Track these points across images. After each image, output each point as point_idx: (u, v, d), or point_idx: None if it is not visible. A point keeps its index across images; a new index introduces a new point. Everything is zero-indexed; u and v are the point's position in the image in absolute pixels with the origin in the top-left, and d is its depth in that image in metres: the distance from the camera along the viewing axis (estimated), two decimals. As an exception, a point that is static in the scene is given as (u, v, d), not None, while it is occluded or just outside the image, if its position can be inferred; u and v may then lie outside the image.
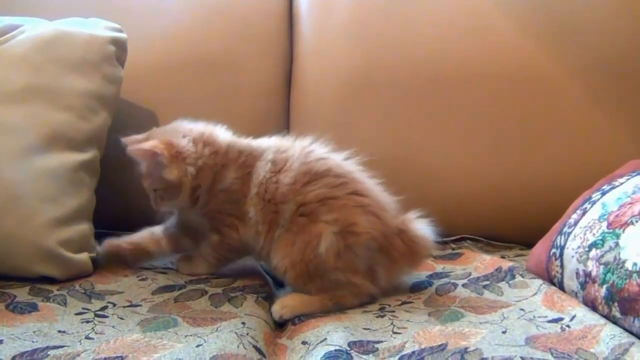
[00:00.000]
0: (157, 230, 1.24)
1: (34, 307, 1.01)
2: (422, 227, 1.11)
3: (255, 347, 0.88)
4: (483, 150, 1.46)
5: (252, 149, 1.16)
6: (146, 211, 1.27)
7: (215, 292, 1.10)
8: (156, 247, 1.23)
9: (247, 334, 0.91)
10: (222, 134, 1.19)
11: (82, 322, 0.96)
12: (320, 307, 1.05)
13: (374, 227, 1.06)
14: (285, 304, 1.05)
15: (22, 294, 1.07)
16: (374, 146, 1.44)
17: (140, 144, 1.12)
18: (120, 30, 1.37)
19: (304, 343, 0.93)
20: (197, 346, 0.86)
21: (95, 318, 0.98)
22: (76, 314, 1.00)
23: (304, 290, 1.08)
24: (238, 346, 0.86)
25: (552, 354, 0.84)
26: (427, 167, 1.45)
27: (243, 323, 0.94)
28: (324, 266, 1.04)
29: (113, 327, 0.95)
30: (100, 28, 1.35)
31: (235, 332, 0.90)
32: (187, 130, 1.17)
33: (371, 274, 1.08)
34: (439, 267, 1.27)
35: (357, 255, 1.05)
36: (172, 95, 1.52)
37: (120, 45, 1.35)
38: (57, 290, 1.09)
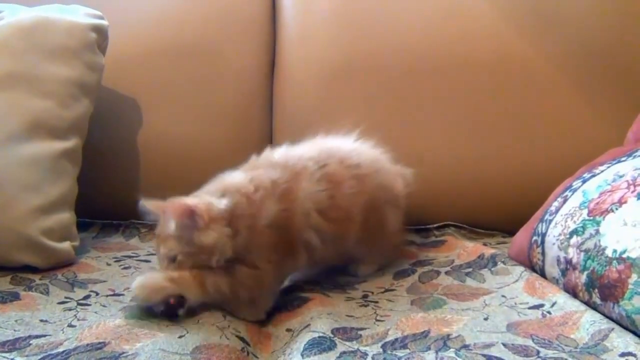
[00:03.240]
0: None
1: (15, 296, 1.00)
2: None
3: (238, 336, 0.88)
4: (465, 138, 1.47)
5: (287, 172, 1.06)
6: (129, 200, 1.26)
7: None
8: None
9: (229, 325, 0.91)
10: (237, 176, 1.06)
11: (64, 311, 0.96)
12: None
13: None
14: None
15: (3, 283, 1.06)
16: (357, 134, 1.44)
17: (177, 200, 0.99)
18: (101, 17, 1.36)
19: (288, 330, 0.93)
20: (180, 337, 0.86)
21: (78, 306, 0.98)
22: (59, 303, 0.99)
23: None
24: (221, 337, 0.86)
25: (533, 340, 0.85)
26: (409, 154, 1.44)
27: (224, 316, 0.94)
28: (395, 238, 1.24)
29: (95, 312, 0.95)
30: (81, 15, 1.33)
31: (217, 325, 0.90)
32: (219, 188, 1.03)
33: None
34: (422, 254, 1.28)
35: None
36: (155, 82, 1.51)
37: (101, 33, 1.34)
38: (40, 279, 1.08)
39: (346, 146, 1.18)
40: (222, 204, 0.98)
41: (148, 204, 1.00)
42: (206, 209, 0.96)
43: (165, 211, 0.99)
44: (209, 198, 0.99)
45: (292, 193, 1.03)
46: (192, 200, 0.98)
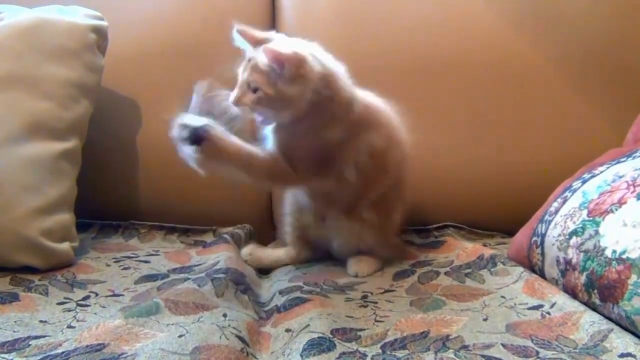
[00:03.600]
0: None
1: (15, 297, 1.00)
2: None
3: (237, 336, 0.88)
4: (465, 139, 1.47)
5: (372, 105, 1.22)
6: (128, 200, 1.26)
7: (199, 276, 1.09)
8: None
9: (229, 325, 0.91)
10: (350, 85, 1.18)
11: (63, 312, 0.96)
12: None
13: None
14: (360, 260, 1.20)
15: (3, 283, 1.06)
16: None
17: (275, 47, 1.06)
18: (101, 18, 1.36)
19: (287, 330, 0.93)
20: (180, 336, 0.85)
21: (77, 307, 0.98)
22: (58, 304, 0.99)
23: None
24: (220, 337, 0.86)
25: (532, 340, 0.85)
26: (409, 154, 1.45)
27: (224, 315, 0.94)
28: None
29: (95, 314, 0.95)
30: (81, 16, 1.33)
31: (217, 325, 0.90)
32: (324, 59, 1.14)
33: None
34: (422, 255, 1.28)
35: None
36: (154, 83, 1.51)
37: (101, 34, 1.34)
38: (39, 280, 1.09)
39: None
40: (321, 65, 1.09)
41: (245, 32, 1.12)
42: (297, 64, 1.05)
43: (263, 48, 1.06)
44: (312, 59, 1.08)
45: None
46: (291, 48, 1.06)
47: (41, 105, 1.22)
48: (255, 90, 1.07)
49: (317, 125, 1.11)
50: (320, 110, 1.10)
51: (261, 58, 1.06)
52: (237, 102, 1.09)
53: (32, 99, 1.21)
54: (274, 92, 1.06)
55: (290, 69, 1.05)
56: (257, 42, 1.10)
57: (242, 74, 1.10)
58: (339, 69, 1.14)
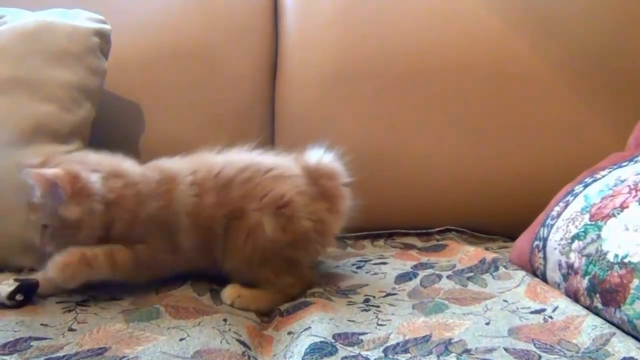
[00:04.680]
0: None
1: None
2: (324, 160, 1.13)
3: (238, 340, 0.88)
4: (466, 142, 1.47)
5: (166, 175, 1.07)
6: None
7: (196, 280, 1.10)
8: None
9: (230, 329, 0.91)
10: (132, 166, 1.07)
11: (64, 312, 0.96)
12: (270, 300, 1.06)
13: (297, 187, 1.08)
14: (240, 293, 1.05)
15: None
16: (358, 138, 1.45)
17: (41, 170, 0.97)
18: (103, 22, 1.36)
19: (289, 333, 0.93)
20: (181, 340, 0.86)
21: (77, 307, 0.98)
22: (57, 302, 1.00)
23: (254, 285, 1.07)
24: (221, 341, 0.86)
25: (534, 344, 0.85)
26: (411, 158, 1.45)
27: (225, 320, 0.94)
28: (276, 247, 1.04)
29: (95, 314, 0.95)
30: (83, 19, 1.33)
31: (218, 329, 0.90)
32: (95, 164, 1.02)
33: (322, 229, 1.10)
34: (424, 258, 1.28)
35: (299, 223, 1.05)
36: (157, 86, 1.51)
37: (104, 37, 1.34)
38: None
39: (217, 157, 1.14)
40: (94, 179, 0.98)
41: (27, 170, 0.97)
42: (70, 181, 0.95)
43: (32, 178, 0.96)
44: (84, 171, 0.98)
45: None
46: (59, 170, 0.96)
47: (44, 108, 1.22)
48: (45, 227, 0.98)
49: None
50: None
51: (35, 192, 0.97)
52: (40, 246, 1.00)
53: (34, 102, 1.21)
54: (59, 220, 0.97)
55: (66, 189, 0.95)
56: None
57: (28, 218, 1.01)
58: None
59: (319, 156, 1.14)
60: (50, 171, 0.96)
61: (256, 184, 1.07)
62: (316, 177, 1.12)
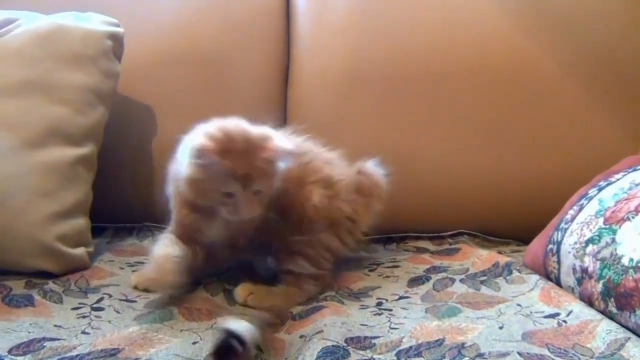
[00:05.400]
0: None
1: (30, 301, 1.01)
2: (372, 167, 1.23)
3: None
4: (479, 145, 1.46)
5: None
6: (142, 205, 1.26)
7: (210, 281, 1.10)
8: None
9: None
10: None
11: (78, 317, 0.96)
12: (284, 296, 1.08)
13: (344, 175, 1.17)
14: (252, 290, 1.07)
15: (18, 287, 1.06)
16: (371, 141, 1.45)
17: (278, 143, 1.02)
18: (117, 25, 1.37)
19: (301, 337, 0.92)
20: (194, 343, 0.86)
21: (92, 312, 0.98)
22: (72, 309, 1.00)
23: None
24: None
25: (548, 349, 0.85)
26: (423, 161, 1.45)
27: (238, 322, 0.94)
28: (318, 217, 1.10)
29: (109, 322, 0.95)
30: (97, 22, 1.34)
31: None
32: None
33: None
34: (437, 262, 1.27)
35: (340, 203, 1.14)
36: (169, 91, 1.52)
37: (117, 40, 1.35)
38: (53, 283, 1.09)
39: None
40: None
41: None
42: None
43: (278, 154, 1.02)
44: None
45: None
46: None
47: (57, 110, 1.22)
48: (256, 193, 1.01)
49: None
50: None
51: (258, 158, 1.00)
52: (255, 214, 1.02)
53: (48, 104, 1.22)
54: (273, 181, 1.03)
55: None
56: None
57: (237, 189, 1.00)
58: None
59: (365, 161, 1.23)
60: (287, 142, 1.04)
61: (313, 165, 1.14)
62: (359, 174, 1.21)
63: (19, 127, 1.18)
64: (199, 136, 1.01)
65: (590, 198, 1.11)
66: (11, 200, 1.13)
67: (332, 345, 0.86)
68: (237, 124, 1.05)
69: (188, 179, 0.99)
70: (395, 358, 0.84)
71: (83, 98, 1.26)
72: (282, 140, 1.03)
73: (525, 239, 1.30)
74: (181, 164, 1.01)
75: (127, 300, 1.04)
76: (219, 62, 1.55)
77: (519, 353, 0.83)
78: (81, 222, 1.21)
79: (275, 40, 1.61)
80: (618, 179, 1.10)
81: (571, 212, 1.13)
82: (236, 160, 0.98)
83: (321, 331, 0.91)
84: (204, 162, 0.97)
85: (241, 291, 1.07)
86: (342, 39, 1.56)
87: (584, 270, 1.01)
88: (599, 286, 0.96)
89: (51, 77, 1.24)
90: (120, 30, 1.36)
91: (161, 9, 1.59)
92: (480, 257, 1.24)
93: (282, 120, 1.56)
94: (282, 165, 1.04)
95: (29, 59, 1.24)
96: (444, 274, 1.18)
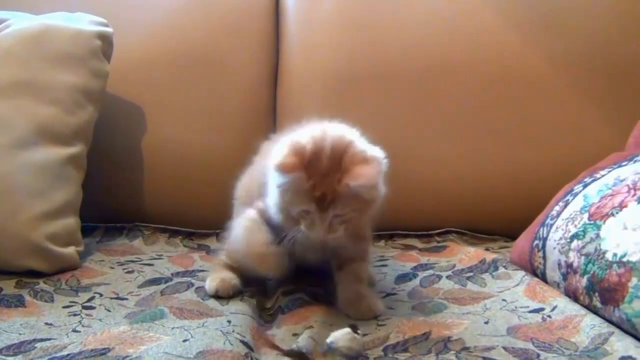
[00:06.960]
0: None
1: (21, 301, 1.01)
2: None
3: (242, 341, 0.88)
4: (467, 143, 1.47)
5: None
6: (132, 204, 1.26)
7: (200, 284, 1.11)
8: None
9: (233, 330, 0.91)
10: None
11: (69, 315, 0.97)
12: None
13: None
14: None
15: (8, 287, 1.07)
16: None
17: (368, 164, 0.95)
18: (106, 25, 1.37)
19: (294, 335, 0.93)
20: (184, 341, 0.86)
21: (83, 311, 0.99)
22: (63, 307, 1.01)
23: None
24: (224, 343, 0.86)
25: (533, 343, 0.86)
26: (411, 160, 1.45)
27: (229, 321, 0.95)
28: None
29: (100, 320, 0.96)
30: (86, 22, 1.35)
31: (221, 330, 0.90)
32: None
33: None
34: (424, 259, 1.29)
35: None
36: (159, 90, 1.52)
37: (106, 40, 1.35)
38: (44, 283, 1.10)
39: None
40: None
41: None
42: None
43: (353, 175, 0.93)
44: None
45: None
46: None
47: (47, 110, 1.23)
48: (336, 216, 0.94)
49: None
50: None
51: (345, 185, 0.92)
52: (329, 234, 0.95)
53: (38, 104, 1.22)
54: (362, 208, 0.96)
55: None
56: None
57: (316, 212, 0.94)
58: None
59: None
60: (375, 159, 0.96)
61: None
62: None
63: (9, 127, 1.18)
64: (287, 145, 0.95)
65: (576, 194, 1.12)
66: (1, 200, 1.14)
67: (321, 342, 0.87)
68: (333, 136, 0.98)
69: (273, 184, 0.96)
70: (382, 353, 0.85)
71: (72, 98, 1.27)
72: (375, 166, 0.95)
73: (513, 236, 1.31)
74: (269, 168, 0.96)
75: (118, 299, 1.04)
76: (208, 62, 1.55)
77: (503, 347, 0.84)
78: (71, 222, 1.22)
79: (264, 40, 1.62)
80: (603, 175, 1.11)
81: (557, 208, 1.14)
82: (316, 179, 0.92)
83: (311, 327, 0.92)
84: (283, 178, 0.92)
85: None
86: (331, 37, 1.57)
87: (569, 266, 1.02)
88: (584, 281, 0.97)
89: (41, 77, 1.24)
90: (109, 30, 1.37)
91: (151, 9, 1.60)
92: (467, 254, 1.25)
93: (272, 118, 1.57)
94: (372, 193, 0.96)
95: (19, 59, 1.25)
96: (431, 271, 1.19)
